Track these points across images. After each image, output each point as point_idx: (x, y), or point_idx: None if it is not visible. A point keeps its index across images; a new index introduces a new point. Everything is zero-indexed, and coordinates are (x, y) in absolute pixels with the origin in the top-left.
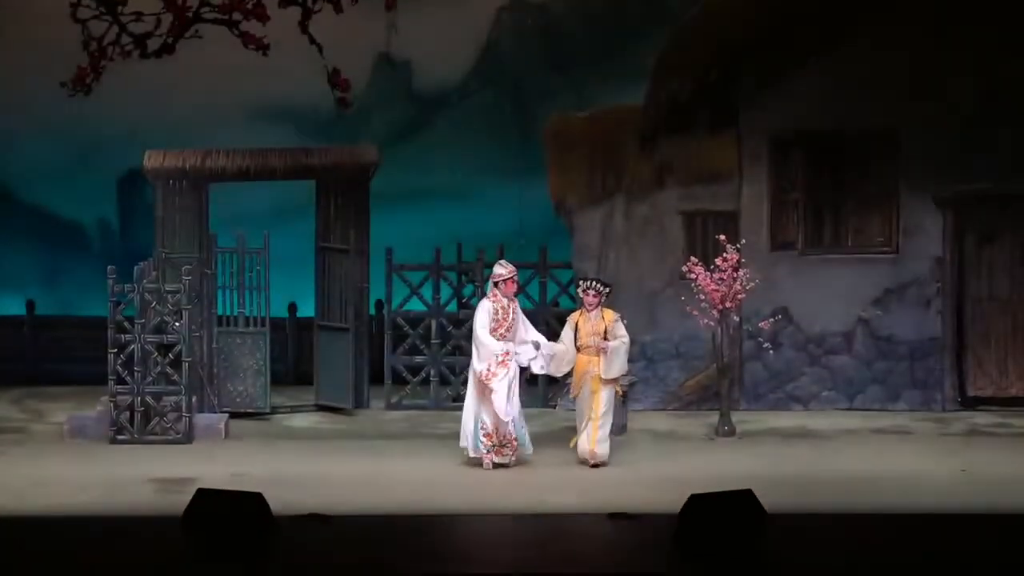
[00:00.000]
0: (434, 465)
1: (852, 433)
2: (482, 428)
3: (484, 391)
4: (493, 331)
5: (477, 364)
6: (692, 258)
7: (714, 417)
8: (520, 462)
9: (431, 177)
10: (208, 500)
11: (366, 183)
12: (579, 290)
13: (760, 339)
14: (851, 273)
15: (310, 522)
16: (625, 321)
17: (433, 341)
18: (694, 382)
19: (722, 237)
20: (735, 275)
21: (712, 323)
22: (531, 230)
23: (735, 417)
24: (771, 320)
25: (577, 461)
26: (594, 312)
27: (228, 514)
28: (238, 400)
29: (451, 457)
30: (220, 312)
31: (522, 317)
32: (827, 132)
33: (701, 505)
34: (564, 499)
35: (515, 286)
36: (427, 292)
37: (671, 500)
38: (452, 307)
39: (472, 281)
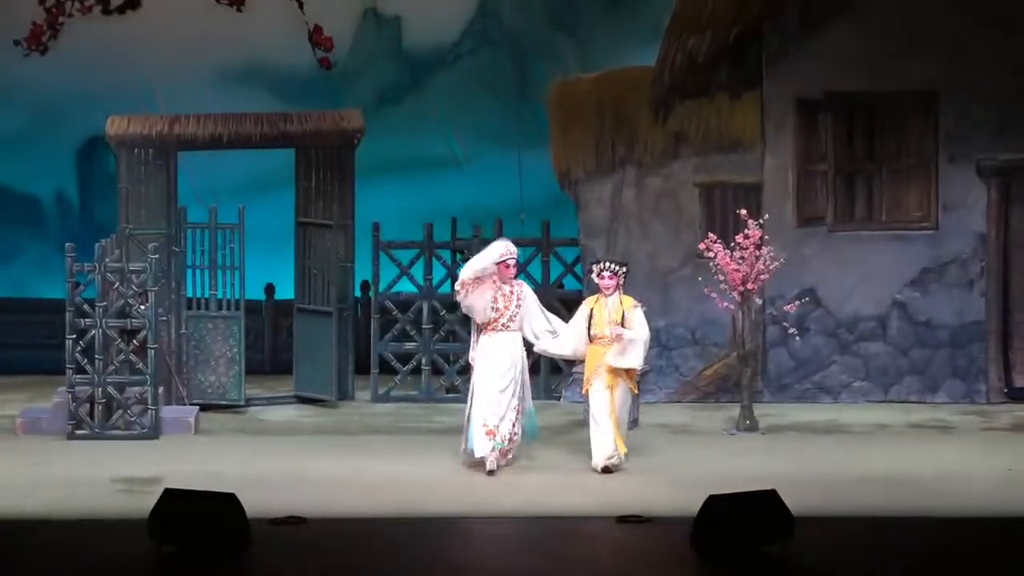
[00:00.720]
0: (426, 463)
1: (886, 428)
2: (484, 424)
3: (483, 376)
4: (493, 322)
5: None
6: (710, 235)
7: (734, 410)
8: (520, 455)
9: (423, 146)
10: (176, 501)
11: (351, 152)
12: (592, 275)
13: (785, 324)
14: (886, 251)
15: (288, 526)
16: (645, 308)
17: (425, 326)
18: (712, 371)
19: (743, 212)
20: (757, 253)
21: (732, 306)
22: (533, 204)
23: (758, 410)
24: (797, 303)
25: (591, 467)
26: (612, 297)
27: (198, 517)
28: (209, 391)
29: (445, 455)
30: (190, 294)
31: (533, 306)
32: (860, 94)
33: (720, 507)
34: (569, 500)
35: (512, 270)
36: (418, 272)
37: (687, 501)
38: (446, 289)
39: (468, 260)
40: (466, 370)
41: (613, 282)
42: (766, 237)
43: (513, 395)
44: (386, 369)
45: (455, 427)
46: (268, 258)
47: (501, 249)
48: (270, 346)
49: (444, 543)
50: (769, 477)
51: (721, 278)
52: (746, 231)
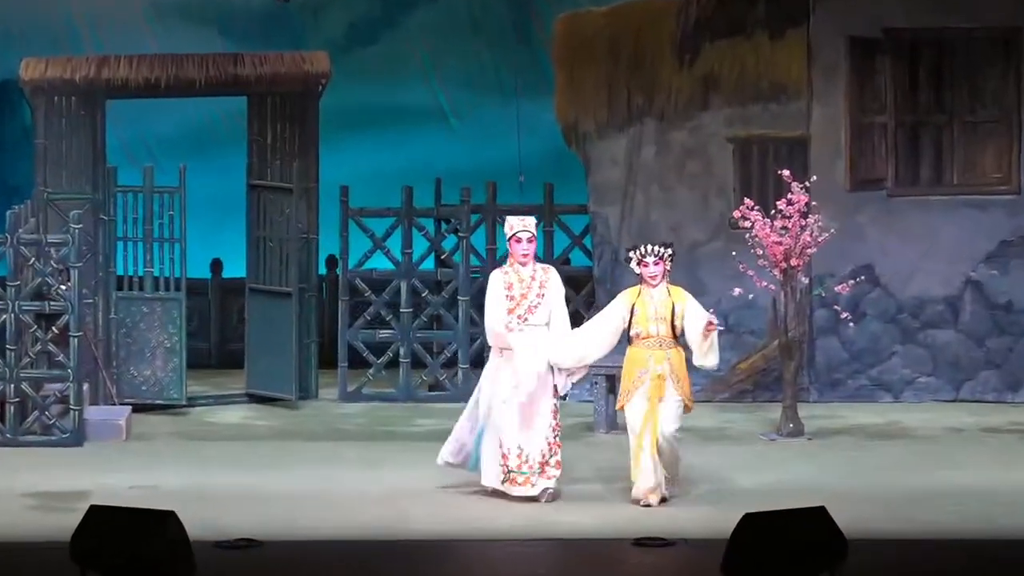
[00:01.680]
0: (405, 475)
1: (958, 432)
2: (501, 445)
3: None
4: (509, 312)
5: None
6: (746, 200)
7: (775, 411)
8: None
9: (401, 94)
10: (104, 521)
11: (314, 101)
12: (631, 263)
13: (836, 308)
14: (957, 220)
15: (238, 550)
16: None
17: (403, 311)
18: (748, 364)
19: (786, 173)
20: (803, 223)
21: (773, 287)
22: (533, 164)
23: (803, 411)
24: (851, 282)
25: (631, 499)
26: (658, 288)
27: (130, 539)
28: (144, 388)
29: (428, 465)
30: (120, 272)
31: (558, 300)
32: (926, 32)
33: (758, 527)
34: (579, 520)
35: (526, 247)
36: (395, 245)
37: (718, 521)
38: (428, 265)
39: (455, 231)
40: (453, 363)
41: (660, 269)
42: (813, 203)
43: (538, 406)
44: (357, 362)
45: (440, 432)
46: (214, 229)
47: (511, 220)
48: (217, 334)
49: (427, 570)
50: (817, 491)
51: (759, 252)
52: (789, 196)
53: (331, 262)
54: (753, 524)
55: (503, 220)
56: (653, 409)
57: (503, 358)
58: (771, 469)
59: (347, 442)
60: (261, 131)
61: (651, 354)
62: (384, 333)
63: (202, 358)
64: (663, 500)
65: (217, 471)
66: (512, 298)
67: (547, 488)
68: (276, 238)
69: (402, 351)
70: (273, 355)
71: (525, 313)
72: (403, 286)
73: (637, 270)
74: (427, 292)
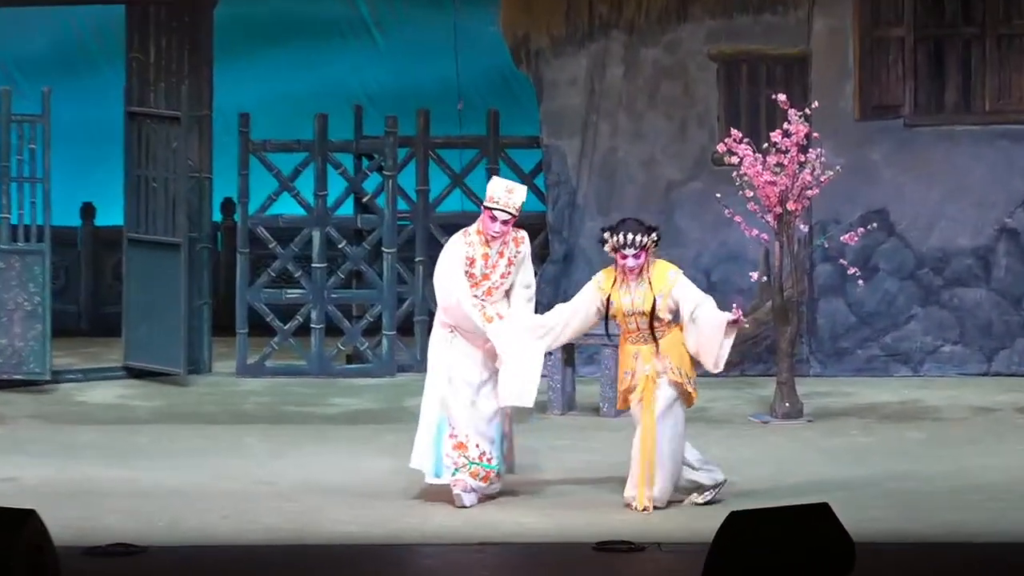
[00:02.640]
0: (318, 465)
1: (989, 413)
2: (452, 436)
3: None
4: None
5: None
6: (733, 132)
7: (768, 387)
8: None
9: (312, 3)
10: None
11: (207, 11)
12: (607, 248)
13: (843, 262)
14: (990, 155)
15: (114, 557)
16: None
17: (316, 265)
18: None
19: (781, 97)
20: (802, 159)
21: (766, 236)
22: (474, 88)
23: (802, 387)
24: (861, 231)
25: (624, 503)
26: (636, 279)
27: None
28: (0, 361)
29: (346, 452)
30: None
31: (526, 275)
32: None
33: (747, 528)
34: (528, 519)
35: (502, 227)
36: (306, 186)
37: (698, 521)
38: (346, 210)
39: (379, 168)
40: (376, 329)
41: (639, 262)
42: (815, 135)
43: (494, 392)
44: (259, 328)
45: (361, 412)
46: (85, 166)
47: (495, 188)
48: (89, 295)
49: None
50: (818, 484)
51: (749, 195)
52: (786, 126)
53: (227, 207)
54: (740, 525)
55: (436, 156)
56: (647, 412)
57: (454, 334)
58: (763, 458)
59: (247, 426)
60: (142, 47)
61: (637, 350)
62: (292, 293)
63: (70, 324)
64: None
65: (88, 462)
66: (471, 275)
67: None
68: (161, 178)
69: (314, 315)
70: (157, 320)
71: (483, 296)
72: (316, 236)
73: (614, 257)
74: (345, 243)
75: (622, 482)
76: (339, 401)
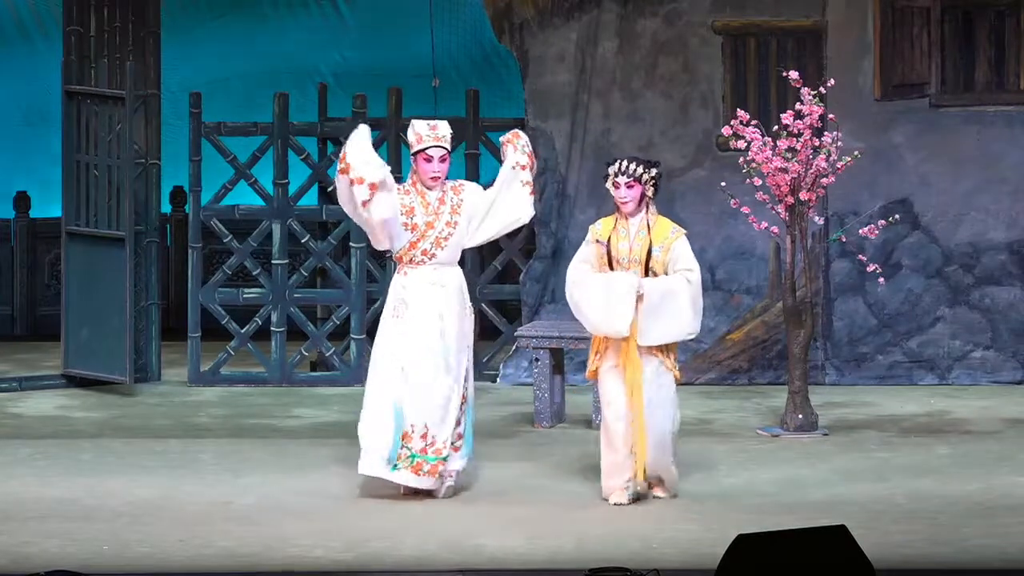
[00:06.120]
0: (279, 483)
1: (1023, 426)
2: (403, 423)
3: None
4: (409, 249)
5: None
6: (740, 113)
7: (779, 396)
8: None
9: None
10: None
11: None
12: (607, 183)
13: (862, 258)
14: None
15: None
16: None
17: (276, 262)
18: (743, 334)
19: (793, 75)
20: (816, 143)
21: (776, 229)
22: (452, 64)
23: (817, 396)
24: (881, 223)
25: (602, 495)
26: (635, 219)
27: None
28: None
29: (309, 468)
30: None
31: (477, 213)
32: None
33: (755, 552)
34: (513, 543)
35: (439, 166)
36: (265, 174)
37: (703, 544)
38: (310, 199)
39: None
40: (343, 332)
41: (633, 193)
42: (831, 117)
43: (449, 372)
44: (213, 332)
45: (327, 424)
46: (19, 152)
47: (418, 129)
48: (23, 295)
49: None
50: (835, 504)
51: (758, 183)
52: (798, 107)
53: (178, 197)
54: (748, 549)
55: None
56: (629, 380)
57: (398, 318)
58: (773, 475)
59: (201, 440)
60: (82, 20)
61: None
62: (250, 293)
63: (3, 327)
64: (638, 499)
65: (24, 480)
66: (414, 227)
67: (450, 483)
68: (103, 164)
69: (274, 317)
70: (100, 323)
71: (432, 247)
72: (276, 229)
73: (611, 191)
74: (308, 237)
75: (617, 503)
76: (302, 412)
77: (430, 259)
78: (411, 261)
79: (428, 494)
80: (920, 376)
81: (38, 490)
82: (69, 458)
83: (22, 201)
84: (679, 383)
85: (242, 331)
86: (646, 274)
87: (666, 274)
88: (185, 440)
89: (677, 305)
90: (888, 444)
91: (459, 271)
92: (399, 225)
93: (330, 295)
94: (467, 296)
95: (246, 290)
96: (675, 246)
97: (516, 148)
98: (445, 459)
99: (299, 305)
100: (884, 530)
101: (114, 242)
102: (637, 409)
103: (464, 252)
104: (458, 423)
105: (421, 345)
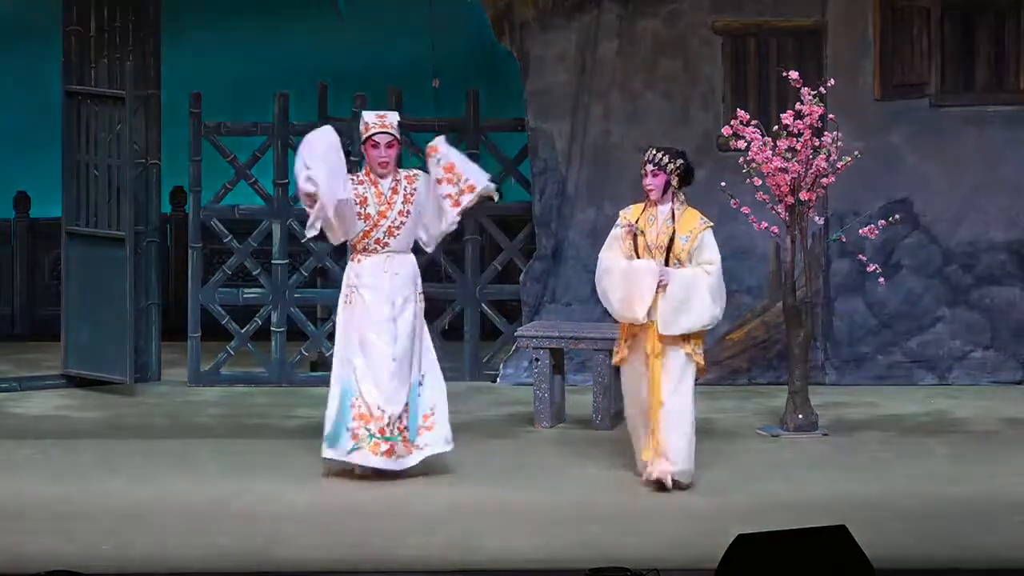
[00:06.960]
0: (280, 484)
1: None
2: (353, 404)
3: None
4: (363, 238)
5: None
6: (740, 113)
7: (779, 397)
8: (428, 469)
9: None
10: None
11: None
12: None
13: (862, 258)
14: None
15: None
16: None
17: (276, 262)
18: (743, 334)
19: (793, 75)
20: (816, 143)
21: (776, 229)
22: (452, 65)
23: (817, 396)
24: (882, 224)
25: (641, 481)
26: (663, 208)
27: None
28: None
29: (308, 469)
30: None
31: (431, 206)
32: None
33: (755, 552)
34: (513, 542)
35: (383, 152)
36: (265, 174)
37: (703, 545)
38: None
39: (346, 153)
40: None
41: (656, 182)
42: (831, 117)
43: (403, 355)
44: (213, 331)
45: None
46: (19, 152)
47: (366, 119)
48: (23, 295)
49: None
50: (834, 504)
51: (758, 183)
52: (798, 107)
53: (178, 197)
54: (748, 549)
55: (409, 140)
56: (654, 371)
57: (349, 303)
58: (773, 475)
59: (200, 440)
60: (82, 20)
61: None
62: (250, 293)
63: (3, 327)
64: (665, 487)
65: (24, 480)
66: (368, 217)
67: (413, 463)
68: (103, 164)
69: (275, 317)
70: (100, 323)
71: (385, 236)
72: (276, 229)
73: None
74: (308, 237)
75: (618, 501)
76: (302, 412)
77: (383, 248)
78: (364, 250)
79: (395, 475)
80: (920, 376)
81: (38, 490)
82: (69, 458)
83: (22, 201)
84: (704, 373)
85: (242, 331)
86: (667, 262)
87: (689, 264)
88: (185, 440)
89: (699, 295)
90: (888, 444)
91: (412, 259)
92: (354, 212)
93: (330, 295)
94: (419, 283)
95: (246, 290)
96: (702, 236)
97: (432, 161)
98: (400, 440)
99: (299, 305)
100: (884, 530)
101: (114, 242)
102: (656, 398)
103: (465, 252)
104: (415, 407)
105: (372, 330)
